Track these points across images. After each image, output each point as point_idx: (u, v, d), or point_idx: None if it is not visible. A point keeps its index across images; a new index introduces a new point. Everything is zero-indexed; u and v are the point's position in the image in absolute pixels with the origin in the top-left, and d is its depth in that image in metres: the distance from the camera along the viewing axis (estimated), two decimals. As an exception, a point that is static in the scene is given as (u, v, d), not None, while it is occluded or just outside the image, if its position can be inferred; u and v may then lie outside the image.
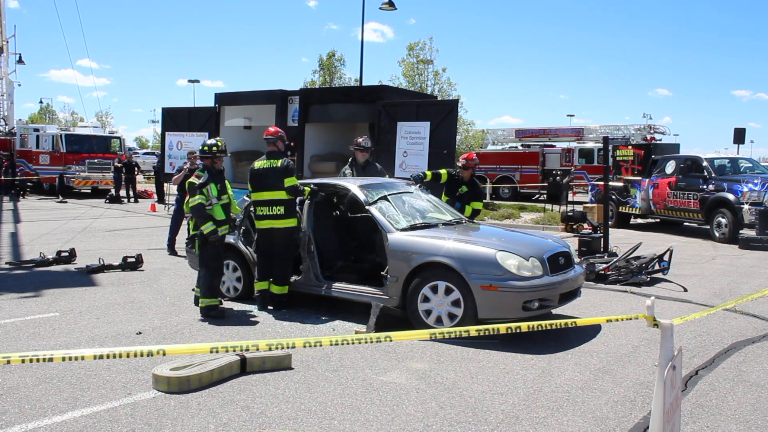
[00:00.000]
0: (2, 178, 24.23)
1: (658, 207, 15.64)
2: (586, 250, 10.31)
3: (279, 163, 7.04)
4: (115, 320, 6.54)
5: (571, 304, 6.66)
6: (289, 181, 6.96)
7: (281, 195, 6.96)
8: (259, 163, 7.18)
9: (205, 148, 6.96)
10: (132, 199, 23.46)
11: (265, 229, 7.05)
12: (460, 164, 8.99)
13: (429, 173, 8.72)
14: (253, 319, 6.71)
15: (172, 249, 11.03)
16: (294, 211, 7.10)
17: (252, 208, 7.20)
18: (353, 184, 7.09)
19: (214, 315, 6.66)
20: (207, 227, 6.67)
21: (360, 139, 8.85)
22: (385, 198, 6.91)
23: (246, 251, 7.39)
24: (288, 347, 2.90)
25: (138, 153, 46.27)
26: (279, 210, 6.96)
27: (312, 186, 7.23)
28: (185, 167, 11.02)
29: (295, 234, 7.08)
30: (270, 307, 7.08)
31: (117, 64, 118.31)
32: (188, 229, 7.57)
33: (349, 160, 8.95)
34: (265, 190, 7.02)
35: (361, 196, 6.84)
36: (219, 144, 6.95)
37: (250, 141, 15.43)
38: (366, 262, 7.41)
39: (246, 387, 4.66)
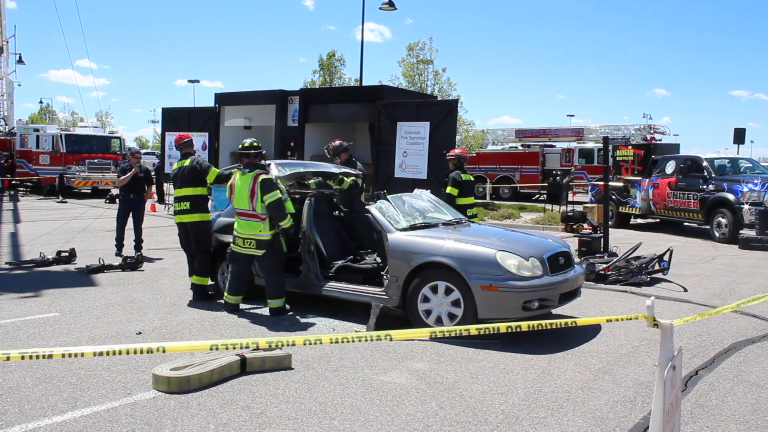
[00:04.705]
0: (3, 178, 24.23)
1: (658, 207, 15.64)
2: (586, 250, 10.31)
3: (187, 162, 7.59)
4: (115, 320, 6.54)
5: (571, 304, 6.66)
6: (210, 176, 7.46)
7: (187, 191, 7.52)
8: (175, 165, 7.81)
9: (256, 144, 7.01)
10: None
11: (179, 224, 7.64)
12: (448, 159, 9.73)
13: None
14: (252, 318, 6.71)
15: (120, 250, 10.49)
16: (203, 207, 7.60)
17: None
18: (272, 162, 7.49)
19: (287, 311, 6.86)
20: (287, 222, 6.73)
21: (331, 144, 8.85)
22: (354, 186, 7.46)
23: None
24: (288, 345, 2.90)
25: (138, 153, 46.21)
26: (185, 205, 7.50)
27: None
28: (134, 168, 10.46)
29: (207, 229, 7.56)
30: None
31: (116, 64, 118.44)
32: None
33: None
34: (178, 187, 7.62)
35: (274, 171, 7.13)
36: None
37: (250, 141, 15.44)
38: (366, 262, 7.41)
39: (246, 387, 4.66)
